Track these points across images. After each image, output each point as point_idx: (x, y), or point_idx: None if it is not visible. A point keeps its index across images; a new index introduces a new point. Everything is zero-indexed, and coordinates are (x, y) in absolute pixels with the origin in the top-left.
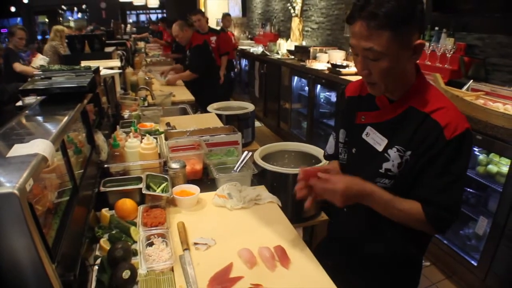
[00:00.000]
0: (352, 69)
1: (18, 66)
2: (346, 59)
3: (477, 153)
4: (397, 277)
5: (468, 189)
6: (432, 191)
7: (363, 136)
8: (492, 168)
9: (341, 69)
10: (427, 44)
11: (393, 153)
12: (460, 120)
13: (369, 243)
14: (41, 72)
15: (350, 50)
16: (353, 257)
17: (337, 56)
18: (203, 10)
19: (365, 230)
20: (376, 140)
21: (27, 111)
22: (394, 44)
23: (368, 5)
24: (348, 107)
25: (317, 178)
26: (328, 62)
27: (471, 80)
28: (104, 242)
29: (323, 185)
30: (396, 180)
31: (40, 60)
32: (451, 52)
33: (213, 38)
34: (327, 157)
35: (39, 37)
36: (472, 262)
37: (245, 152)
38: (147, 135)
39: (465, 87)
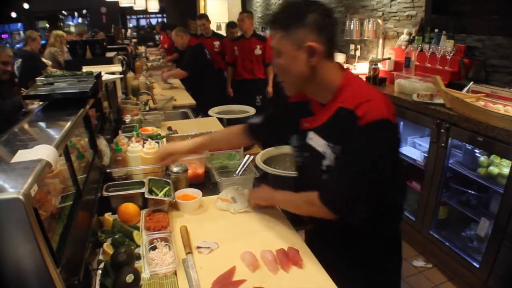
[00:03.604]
0: (353, 72)
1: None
2: (346, 62)
3: (478, 155)
4: (377, 257)
5: (470, 191)
6: (331, 181)
7: (308, 141)
8: (493, 169)
9: None
10: (426, 46)
11: (328, 150)
12: (378, 110)
13: (342, 229)
14: (43, 78)
15: (351, 53)
16: (332, 243)
17: (337, 59)
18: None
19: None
20: (317, 142)
21: (29, 117)
22: (286, 42)
23: (272, 16)
24: (293, 113)
25: None
26: None
27: (471, 82)
28: (107, 247)
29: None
30: None
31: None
32: (451, 54)
33: (217, 43)
34: (250, 123)
35: (42, 42)
36: (474, 263)
37: (247, 156)
38: (149, 139)
39: (465, 89)
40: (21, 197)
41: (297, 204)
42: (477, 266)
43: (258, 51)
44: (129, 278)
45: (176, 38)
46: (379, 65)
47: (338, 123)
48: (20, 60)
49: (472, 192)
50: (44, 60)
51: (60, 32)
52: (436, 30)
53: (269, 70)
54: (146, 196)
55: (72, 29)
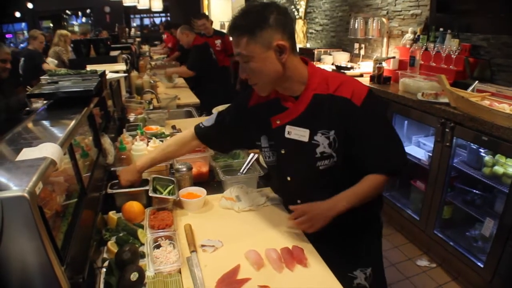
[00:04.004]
0: (357, 70)
1: (46, 66)
2: (351, 60)
3: (483, 154)
4: (359, 239)
5: (474, 190)
6: (379, 154)
7: (286, 135)
8: (498, 169)
9: (345, 71)
10: (431, 45)
11: (319, 137)
12: (359, 87)
13: None
14: (48, 77)
15: (355, 51)
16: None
17: (342, 57)
18: (206, 13)
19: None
20: (299, 134)
21: (34, 116)
22: (255, 46)
23: (234, 20)
24: (258, 115)
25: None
26: (332, 64)
27: (477, 81)
28: (112, 245)
29: (306, 224)
30: (334, 157)
31: (49, 63)
32: (456, 53)
33: (218, 41)
34: (199, 128)
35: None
36: (479, 263)
37: (251, 154)
38: (153, 138)
39: (471, 88)
40: (26, 195)
41: (365, 197)
42: (482, 266)
43: None
44: (134, 276)
45: (182, 36)
46: (384, 64)
47: (319, 109)
48: (22, 59)
49: (477, 191)
50: (49, 59)
51: (64, 32)
52: (441, 29)
53: None
54: (150, 194)
55: (76, 28)
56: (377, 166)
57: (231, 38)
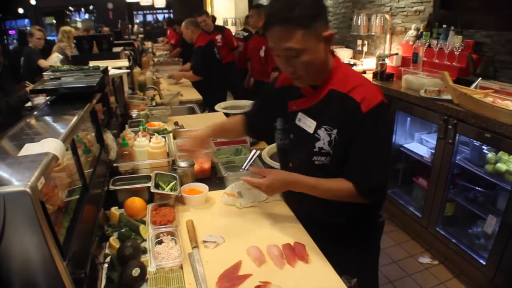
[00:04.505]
0: (360, 67)
1: (43, 62)
2: (354, 57)
3: (486, 151)
4: (356, 241)
5: (477, 188)
6: (360, 167)
7: (296, 122)
8: (501, 166)
9: None
10: (434, 41)
11: (322, 132)
12: (374, 94)
13: (321, 215)
14: (50, 73)
15: (358, 48)
16: (314, 227)
17: (345, 54)
18: (209, 10)
19: (314, 204)
20: (307, 123)
21: (36, 112)
22: (309, 39)
23: (280, 11)
24: (280, 97)
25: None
26: None
27: (480, 78)
28: (114, 240)
29: (255, 181)
30: (331, 156)
31: (54, 58)
32: (459, 50)
33: (219, 37)
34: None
35: (48, 38)
36: (481, 261)
37: (253, 151)
38: (155, 134)
39: (474, 85)
40: (28, 190)
41: (327, 192)
42: (484, 263)
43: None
44: (135, 271)
45: (186, 31)
46: (387, 61)
47: (330, 105)
48: (22, 58)
49: (480, 189)
50: (55, 54)
51: (67, 28)
52: (444, 26)
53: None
54: (152, 190)
55: (79, 25)
56: (352, 175)
57: (232, 32)
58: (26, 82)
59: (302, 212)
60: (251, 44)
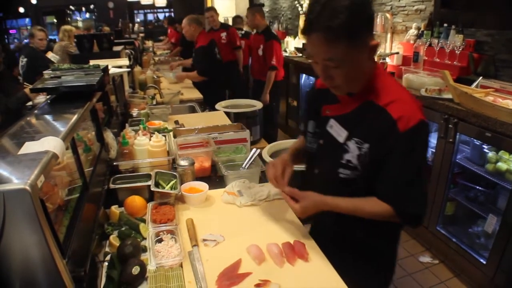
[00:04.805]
0: None
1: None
2: None
3: (487, 151)
4: (370, 265)
5: (477, 187)
6: (396, 191)
7: (328, 128)
8: (502, 165)
9: None
10: (435, 40)
11: (352, 144)
12: (413, 112)
13: (341, 231)
14: (51, 71)
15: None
16: (332, 242)
17: None
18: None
19: (335, 221)
20: (338, 132)
21: (36, 110)
22: (352, 51)
23: (321, 18)
24: (316, 99)
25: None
26: None
27: (480, 77)
28: (114, 239)
29: (291, 203)
30: (358, 172)
31: (51, 58)
32: (460, 49)
33: (224, 34)
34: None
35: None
36: (481, 260)
37: (253, 149)
38: (155, 132)
39: (474, 84)
40: (27, 188)
41: (366, 212)
42: (484, 262)
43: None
44: (135, 270)
45: (189, 28)
46: (387, 60)
47: (365, 117)
48: (25, 59)
49: (480, 188)
50: (51, 53)
51: (68, 27)
52: (445, 25)
53: (270, 74)
54: (153, 189)
55: (80, 24)
56: (390, 198)
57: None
58: (25, 83)
59: (320, 225)
60: (250, 43)
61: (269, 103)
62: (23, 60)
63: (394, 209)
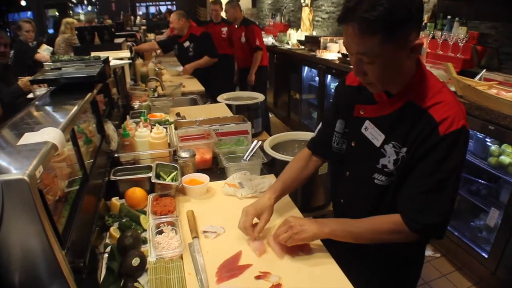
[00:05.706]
0: None
1: (39, 56)
2: None
3: (489, 144)
4: (395, 275)
5: (480, 180)
6: (414, 197)
7: (362, 130)
8: (504, 159)
9: None
10: (438, 33)
11: (389, 148)
12: (457, 116)
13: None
14: (51, 63)
15: None
16: (355, 249)
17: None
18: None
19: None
20: (374, 135)
21: (37, 102)
22: (389, 47)
23: (359, 8)
24: (347, 97)
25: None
26: (338, 52)
27: (484, 70)
28: (114, 230)
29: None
30: (393, 177)
31: (44, 50)
32: (464, 41)
33: (225, 29)
34: (314, 143)
35: (51, 31)
36: (483, 254)
37: (255, 141)
38: (156, 124)
39: (478, 76)
40: (25, 178)
41: (371, 236)
42: (486, 256)
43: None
44: (135, 261)
45: (178, 21)
46: None
47: (404, 120)
48: (12, 51)
49: (482, 181)
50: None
51: (70, 20)
52: (449, 17)
53: (256, 55)
54: (153, 180)
55: (82, 17)
56: (405, 208)
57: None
58: (19, 77)
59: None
60: (232, 35)
61: (254, 83)
62: (10, 53)
63: (401, 217)
